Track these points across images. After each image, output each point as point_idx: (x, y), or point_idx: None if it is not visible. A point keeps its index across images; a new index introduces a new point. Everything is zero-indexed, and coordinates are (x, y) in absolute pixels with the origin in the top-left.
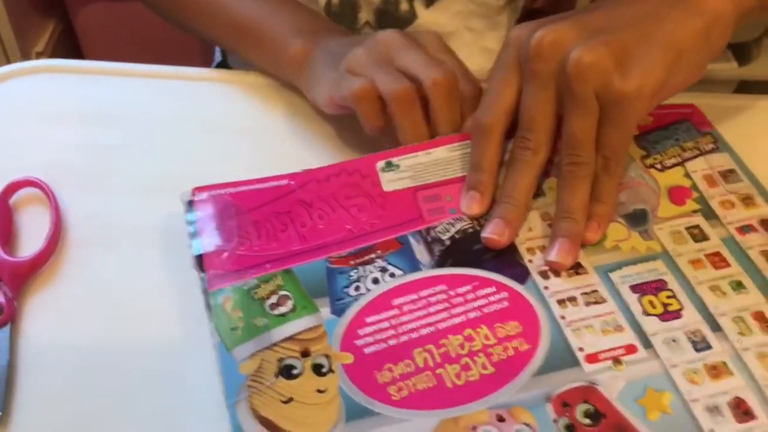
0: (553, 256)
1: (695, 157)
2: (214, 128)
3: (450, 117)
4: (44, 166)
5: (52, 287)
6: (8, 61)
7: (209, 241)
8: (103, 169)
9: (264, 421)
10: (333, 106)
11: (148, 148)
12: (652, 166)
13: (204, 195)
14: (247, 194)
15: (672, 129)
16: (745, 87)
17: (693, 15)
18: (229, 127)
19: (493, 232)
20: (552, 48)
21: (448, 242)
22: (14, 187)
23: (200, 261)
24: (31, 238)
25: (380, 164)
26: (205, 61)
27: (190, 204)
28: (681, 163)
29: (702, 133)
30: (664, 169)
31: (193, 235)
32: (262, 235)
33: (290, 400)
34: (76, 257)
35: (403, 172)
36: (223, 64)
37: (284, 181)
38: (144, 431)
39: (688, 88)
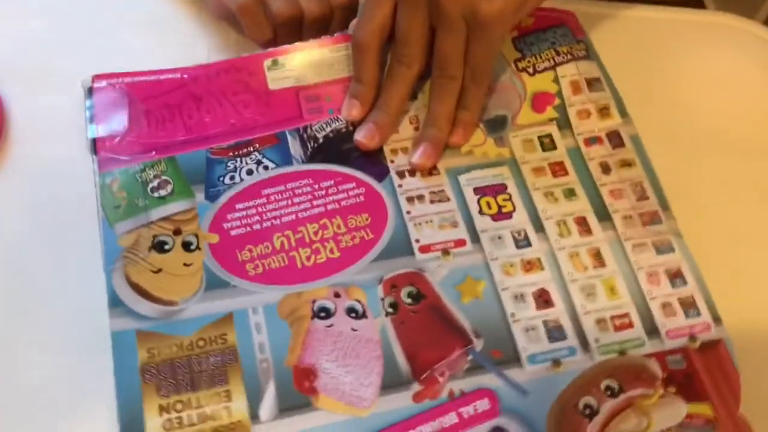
0: (416, 158)
1: (568, 62)
2: (161, 26)
3: None
4: None
5: None
6: None
7: (103, 126)
8: (45, 63)
9: (135, 287)
10: (221, 10)
11: (91, 43)
12: (524, 69)
13: (103, 83)
14: (143, 84)
15: (550, 32)
16: None
17: None
18: (176, 26)
19: (364, 137)
20: None
21: (321, 140)
22: None
23: (94, 144)
24: None
25: (267, 62)
26: None
27: (90, 90)
28: (553, 67)
29: (576, 40)
30: (535, 73)
31: (90, 119)
32: (151, 124)
33: (159, 270)
34: (18, 151)
35: (288, 71)
36: None
37: (178, 74)
38: (39, 286)
39: None
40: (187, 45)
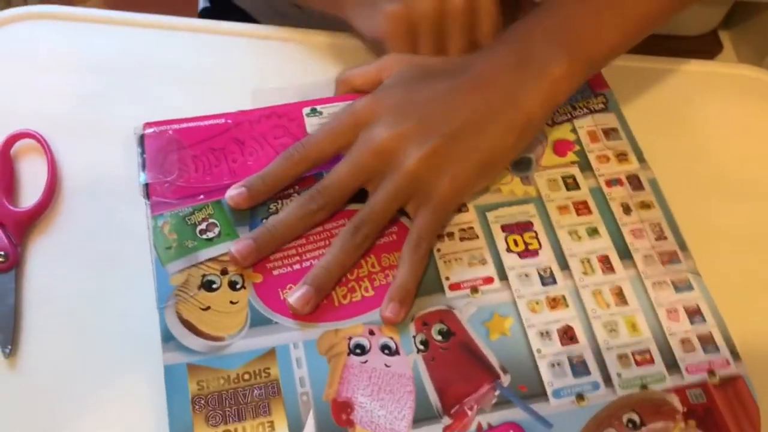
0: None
1: (584, 115)
2: (209, 80)
3: (458, 43)
4: (39, 115)
5: (50, 234)
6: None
7: (154, 172)
8: (96, 118)
9: (186, 323)
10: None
11: (139, 98)
12: None
13: (153, 130)
14: (189, 131)
15: None
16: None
17: (508, 130)
18: (224, 79)
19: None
20: (392, 150)
21: None
22: (13, 139)
23: (146, 189)
24: (30, 188)
25: (306, 110)
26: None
27: (141, 138)
28: (569, 120)
29: (596, 94)
30: (553, 124)
31: (142, 165)
32: (198, 169)
33: (208, 308)
34: (71, 206)
35: (325, 118)
36: (208, 10)
37: (221, 120)
38: (124, 357)
39: None
40: (229, 96)
